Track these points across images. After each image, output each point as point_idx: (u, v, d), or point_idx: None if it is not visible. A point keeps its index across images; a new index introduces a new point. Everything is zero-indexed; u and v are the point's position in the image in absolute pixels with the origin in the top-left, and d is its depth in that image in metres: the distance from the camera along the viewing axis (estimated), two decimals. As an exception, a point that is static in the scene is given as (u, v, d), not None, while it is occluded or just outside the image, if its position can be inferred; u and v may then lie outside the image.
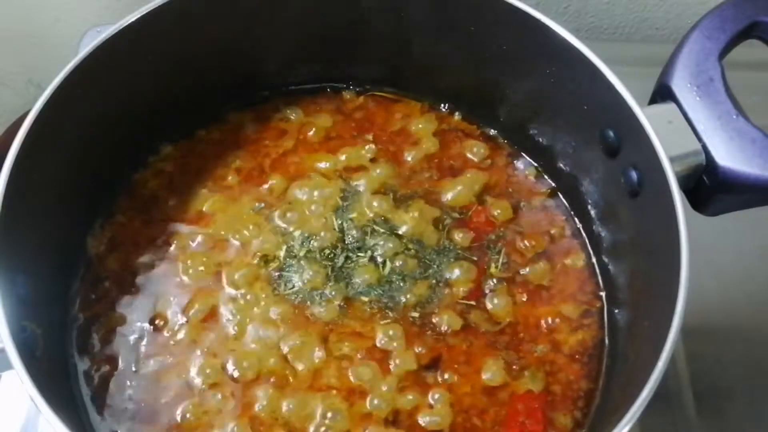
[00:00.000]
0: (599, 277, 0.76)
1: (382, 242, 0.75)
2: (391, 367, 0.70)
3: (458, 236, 0.76)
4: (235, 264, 0.74)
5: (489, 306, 0.73)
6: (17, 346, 0.57)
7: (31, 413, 0.79)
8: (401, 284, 0.73)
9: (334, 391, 0.68)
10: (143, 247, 0.75)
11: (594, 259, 0.77)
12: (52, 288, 0.70)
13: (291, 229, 0.76)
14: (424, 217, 0.77)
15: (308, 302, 0.72)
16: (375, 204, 0.77)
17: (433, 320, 0.72)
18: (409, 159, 0.81)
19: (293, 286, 0.73)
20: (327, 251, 0.74)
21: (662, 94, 0.69)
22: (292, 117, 0.83)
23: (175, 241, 0.76)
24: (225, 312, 0.72)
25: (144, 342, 0.71)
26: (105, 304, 0.73)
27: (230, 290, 0.73)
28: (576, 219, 0.79)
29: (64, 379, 0.69)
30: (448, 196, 0.79)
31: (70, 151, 0.70)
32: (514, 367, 0.71)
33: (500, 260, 0.76)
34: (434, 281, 0.74)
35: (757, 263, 0.95)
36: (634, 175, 0.68)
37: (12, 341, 0.57)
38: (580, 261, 0.77)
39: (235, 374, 0.69)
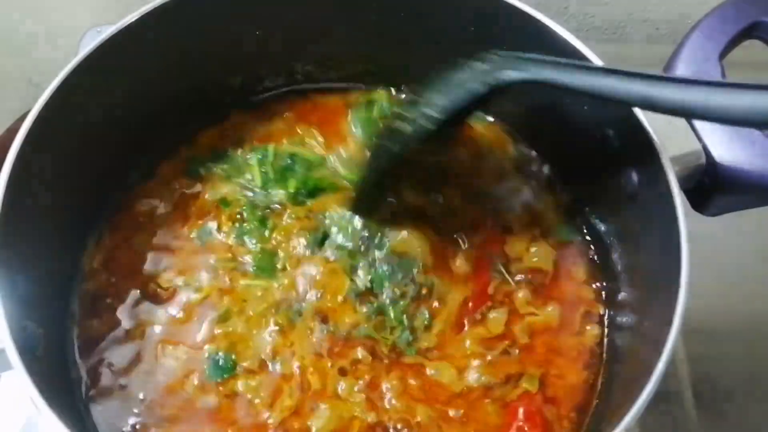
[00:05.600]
0: (599, 278, 0.76)
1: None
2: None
3: (461, 240, 0.76)
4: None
5: (490, 314, 0.74)
6: (17, 346, 0.57)
7: (32, 413, 0.79)
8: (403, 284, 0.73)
9: None
10: (145, 246, 0.76)
11: (594, 260, 0.77)
12: (53, 288, 0.70)
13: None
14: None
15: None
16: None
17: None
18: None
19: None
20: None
21: (662, 94, 0.69)
22: (288, 116, 0.83)
23: (176, 241, 0.76)
24: (225, 307, 0.72)
25: (145, 342, 0.71)
26: (105, 303, 0.73)
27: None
28: (576, 220, 0.79)
29: (64, 379, 0.69)
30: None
31: (70, 151, 0.70)
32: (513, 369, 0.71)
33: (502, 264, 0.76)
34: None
35: (757, 263, 0.95)
36: (634, 175, 0.68)
37: (12, 341, 0.57)
38: (580, 262, 0.77)
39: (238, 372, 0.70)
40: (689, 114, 0.62)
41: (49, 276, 0.70)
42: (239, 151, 0.80)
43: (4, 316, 0.58)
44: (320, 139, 0.81)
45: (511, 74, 0.61)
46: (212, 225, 0.76)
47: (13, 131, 0.64)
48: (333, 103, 0.84)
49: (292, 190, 0.77)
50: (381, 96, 0.83)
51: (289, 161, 0.79)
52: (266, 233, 0.75)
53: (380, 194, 0.75)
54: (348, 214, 0.75)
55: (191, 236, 0.76)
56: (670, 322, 0.58)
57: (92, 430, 0.67)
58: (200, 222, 0.77)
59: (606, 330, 0.74)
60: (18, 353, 0.57)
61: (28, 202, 0.65)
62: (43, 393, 0.56)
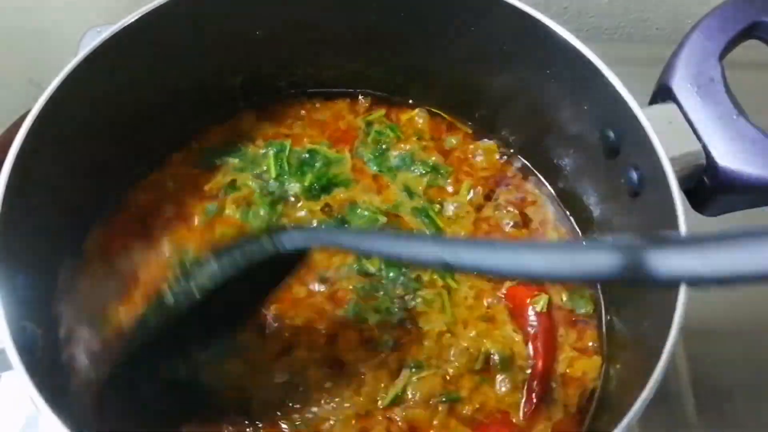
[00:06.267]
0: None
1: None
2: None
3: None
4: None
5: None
6: (17, 346, 0.57)
7: (32, 413, 0.79)
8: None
9: None
10: (146, 246, 0.75)
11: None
12: (53, 288, 0.70)
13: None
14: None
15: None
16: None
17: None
18: (398, 161, 0.81)
19: None
20: None
21: (662, 94, 0.69)
22: (296, 118, 0.84)
23: (181, 232, 0.76)
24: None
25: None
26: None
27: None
28: (575, 220, 0.79)
29: (64, 379, 0.68)
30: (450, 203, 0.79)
31: (70, 151, 0.70)
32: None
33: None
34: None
35: (757, 263, 0.95)
36: (634, 175, 0.68)
37: (12, 341, 0.57)
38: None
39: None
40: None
41: (50, 276, 0.70)
42: (251, 147, 0.81)
43: (4, 316, 0.58)
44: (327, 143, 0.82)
45: (285, 242, 0.58)
46: (216, 208, 0.77)
47: (13, 131, 0.64)
48: (338, 107, 0.84)
49: (307, 184, 0.78)
50: (379, 115, 0.84)
51: (306, 155, 0.80)
52: (275, 219, 0.76)
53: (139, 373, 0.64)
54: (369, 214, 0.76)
55: (196, 224, 0.76)
56: (670, 322, 0.58)
57: (92, 430, 0.67)
58: (206, 206, 0.77)
59: (605, 330, 0.74)
60: (18, 353, 0.57)
61: (28, 202, 0.64)
62: (43, 393, 0.56)
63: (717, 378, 0.88)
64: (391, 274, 0.73)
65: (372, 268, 0.73)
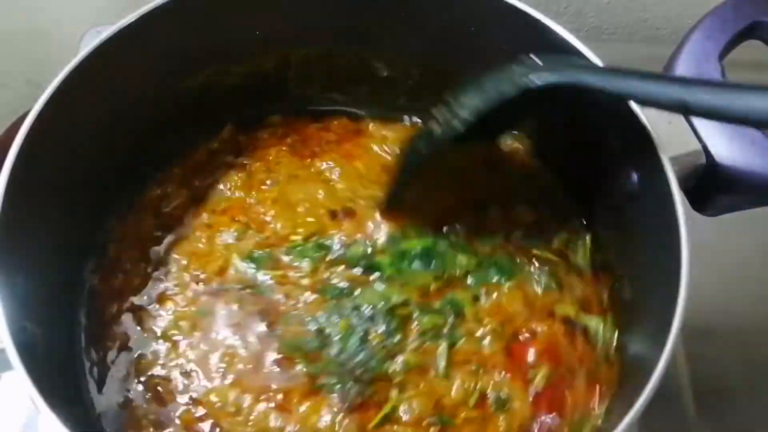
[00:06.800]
0: (599, 278, 0.76)
1: None
2: None
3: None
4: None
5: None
6: (17, 346, 0.57)
7: (32, 413, 0.79)
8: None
9: None
10: (146, 248, 0.76)
11: (593, 259, 0.77)
12: (54, 288, 0.70)
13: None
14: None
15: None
16: None
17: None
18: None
19: None
20: None
21: (662, 94, 0.69)
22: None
23: (182, 244, 0.76)
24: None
25: (144, 343, 0.71)
26: (108, 304, 0.73)
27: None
28: (574, 220, 0.79)
29: (64, 379, 0.69)
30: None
31: (71, 151, 0.70)
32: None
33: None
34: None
35: (757, 263, 0.95)
36: (634, 175, 0.68)
37: (12, 341, 0.57)
38: (579, 261, 0.77)
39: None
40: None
41: (50, 276, 0.70)
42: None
43: (4, 316, 0.58)
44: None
45: (544, 77, 0.61)
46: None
47: (13, 131, 0.64)
48: (342, 125, 0.85)
49: None
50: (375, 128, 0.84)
51: None
52: None
53: (407, 193, 0.75)
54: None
55: (204, 227, 0.77)
56: (670, 322, 0.58)
57: (92, 430, 0.67)
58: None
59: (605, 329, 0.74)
60: (18, 353, 0.57)
61: (28, 202, 0.64)
62: (43, 393, 0.56)
63: (717, 378, 0.88)
64: (351, 342, 0.68)
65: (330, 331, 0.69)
